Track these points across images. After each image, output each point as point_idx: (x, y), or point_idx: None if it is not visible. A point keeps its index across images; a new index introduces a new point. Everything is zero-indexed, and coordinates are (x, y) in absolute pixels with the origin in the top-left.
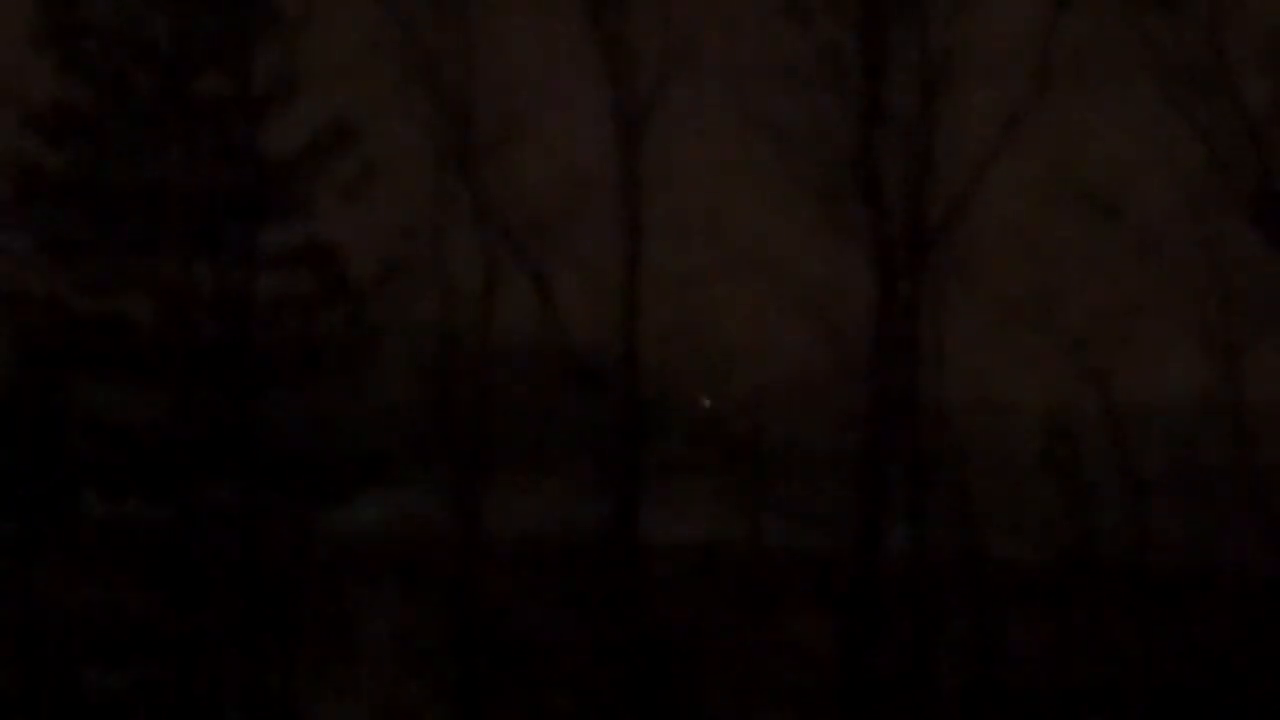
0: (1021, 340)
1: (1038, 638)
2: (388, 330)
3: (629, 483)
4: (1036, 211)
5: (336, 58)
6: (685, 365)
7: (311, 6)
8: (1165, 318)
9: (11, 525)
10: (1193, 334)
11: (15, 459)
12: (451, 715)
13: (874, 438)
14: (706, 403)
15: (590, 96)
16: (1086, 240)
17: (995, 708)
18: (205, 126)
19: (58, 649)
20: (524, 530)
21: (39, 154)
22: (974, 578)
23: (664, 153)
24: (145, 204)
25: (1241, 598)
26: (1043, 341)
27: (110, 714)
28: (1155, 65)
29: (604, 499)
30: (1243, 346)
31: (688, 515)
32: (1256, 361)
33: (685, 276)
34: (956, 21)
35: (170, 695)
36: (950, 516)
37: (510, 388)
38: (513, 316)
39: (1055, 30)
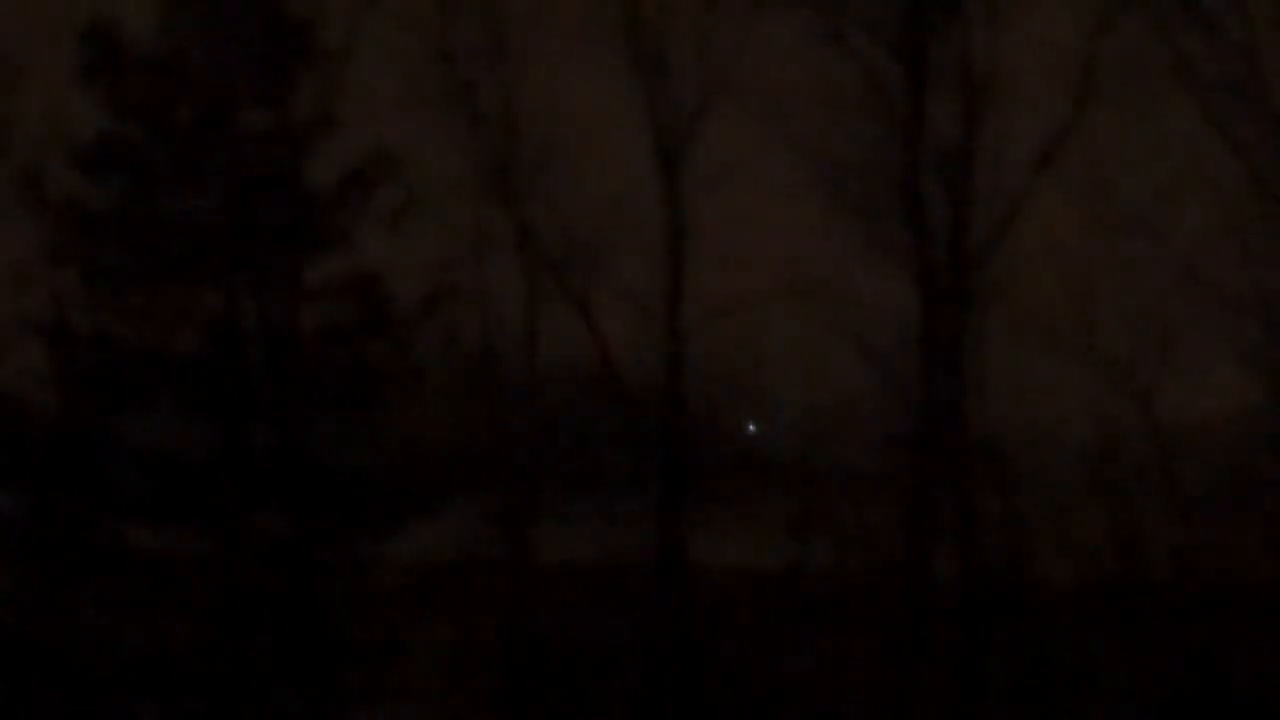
0: (1065, 362)
1: (1086, 660)
2: (433, 359)
3: (675, 508)
4: (1078, 233)
5: (378, 88)
6: (730, 390)
7: (353, 38)
8: (1208, 337)
9: (60, 559)
10: (1236, 353)
11: (63, 493)
12: None
13: (919, 460)
14: (752, 428)
15: (631, 123)
16: (1129, 261)
17: None
18: (247, 158)
19: (106, 684)
20: (572, 556)
21: (83, 189)
22: (1021, 600)
23: (706, 178)
24: (189, 236)
25: None
26: (1086, 363)
27: None
28: (1195, 84)
29: (651, 525)
30: None
31: (734, 540)
32: None
33: (729, 302)
34: (997, 43)
35: None
36: (996, 539)
37: (556, 415)
38: (557, 344)
39: (1095, 50)
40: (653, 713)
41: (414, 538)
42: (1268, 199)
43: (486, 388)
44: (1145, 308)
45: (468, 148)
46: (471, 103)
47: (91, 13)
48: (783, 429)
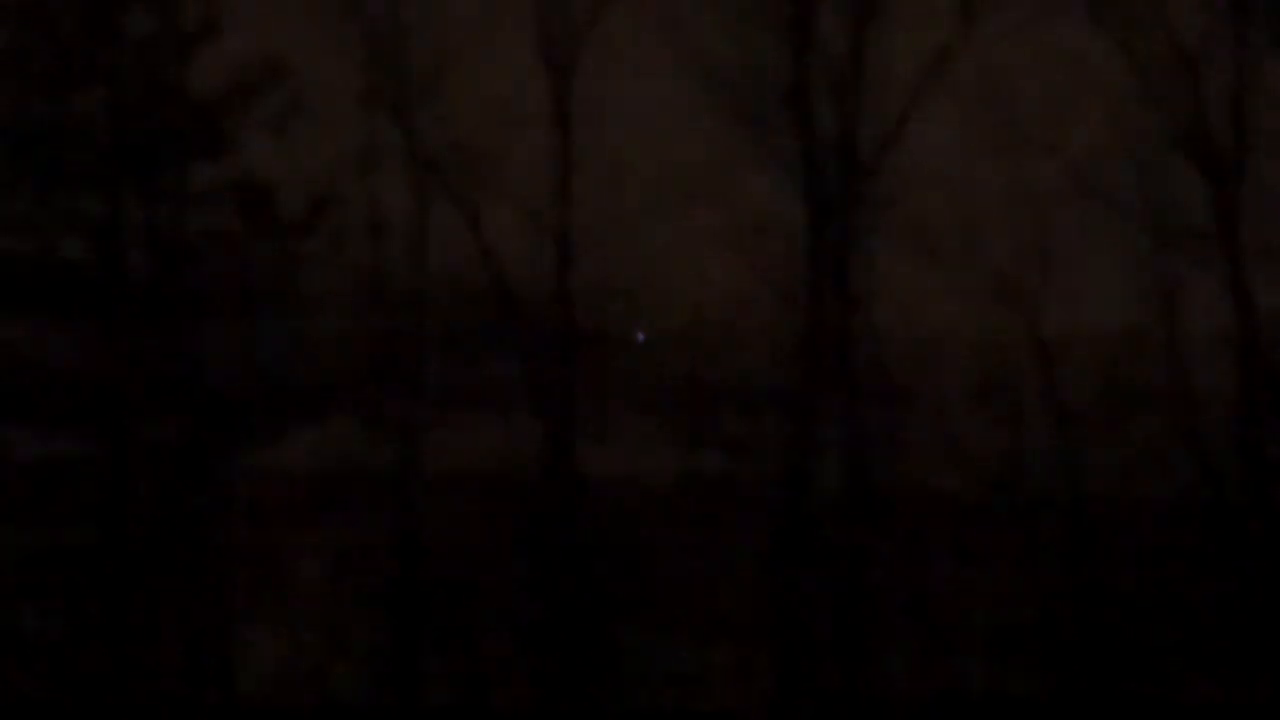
0: (952, 273)
1: (967, 568)
2: (319, 266)
3: (564, 417)
4: (967, 144)
5: None
6: (619, 299)
7: None
8: (1096, 250)
9: None
10: (1124, 266)
11: None
12: (386, 650)
13: (806, 370)
14: (640, 337)
15: (521, 31)
16: (1017, 172)
17: (924, 638)
18: (132, 64)
19: None
20: (459, 465)
21: None
22: (904, 508)
23: (595, 87)
24: (73, 142)
25: (1173, 525)
26: (973, 274)
27: (45, 652)
28: None
29: (539, 434)
30: (1175, 278)
31: (622, 449)
32: (1187, 293)
33: (618, 211)
34: None
35: (104, 633)
36: (882, 449)
37: (444, 324)
38: (445, 253)
39: None
40: (540, 623)
41: (300, 445)
42: (1159, 111)
43: (374, 296)
44: (1033, 219)
45: (356, 55)
46: (360, 9)
47: None
48: (672, 337)
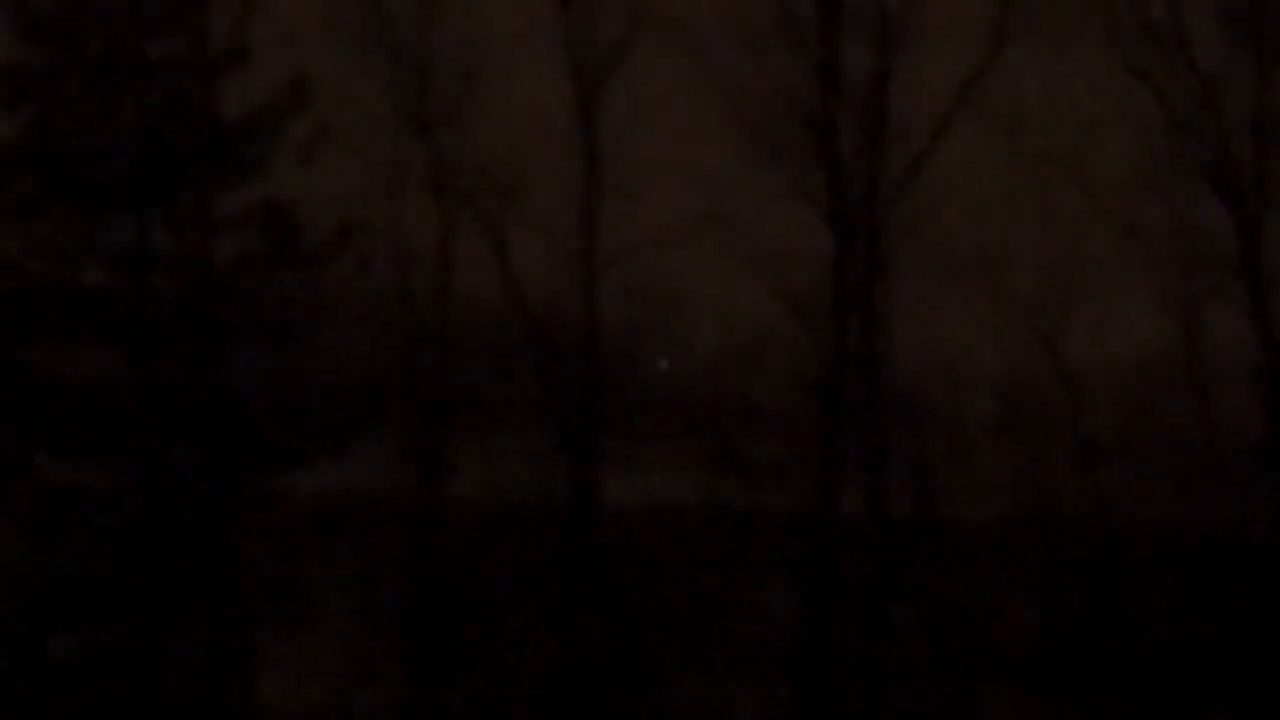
0: (977, 301)
1: (992, 597)
2: (345, 293)
3: (588, 445)
4: (993, 173)
5: (293, 18)
6: (644, 327)
7: None
8: (1122, 279)
9: None
10: (1149, 295)
11: None
12: (410, 678)
13: (830, 398)
14: (665, 365)
15: (549, 57)
16: (1042, 201)
17: (951, 667)
18: (160, 88)
19: (14, 614)
20: (484, 493)
21: None
22: (929, 538)
23: (623, 114)
24: (100, 166)
25: (1196, 556)
26: (998, 302)
27: (68, 679)
28: (1112, 27)
29: (563, 461)
30: (1199, 307)
31: (647, 477)
32: (1212, 322)
33: (644, 238)
34: None
35: (127, 659)
36: (906, 477)
37: (469, 350)
38: (471, 278)
39: None
40: (561, 648)
41: (325, 471)
42: (1184, 141)
43: (399, 321)
44: (1058, 248)
45: (384, 79)
46: (389, 34)
47: None
48: (697, 365)
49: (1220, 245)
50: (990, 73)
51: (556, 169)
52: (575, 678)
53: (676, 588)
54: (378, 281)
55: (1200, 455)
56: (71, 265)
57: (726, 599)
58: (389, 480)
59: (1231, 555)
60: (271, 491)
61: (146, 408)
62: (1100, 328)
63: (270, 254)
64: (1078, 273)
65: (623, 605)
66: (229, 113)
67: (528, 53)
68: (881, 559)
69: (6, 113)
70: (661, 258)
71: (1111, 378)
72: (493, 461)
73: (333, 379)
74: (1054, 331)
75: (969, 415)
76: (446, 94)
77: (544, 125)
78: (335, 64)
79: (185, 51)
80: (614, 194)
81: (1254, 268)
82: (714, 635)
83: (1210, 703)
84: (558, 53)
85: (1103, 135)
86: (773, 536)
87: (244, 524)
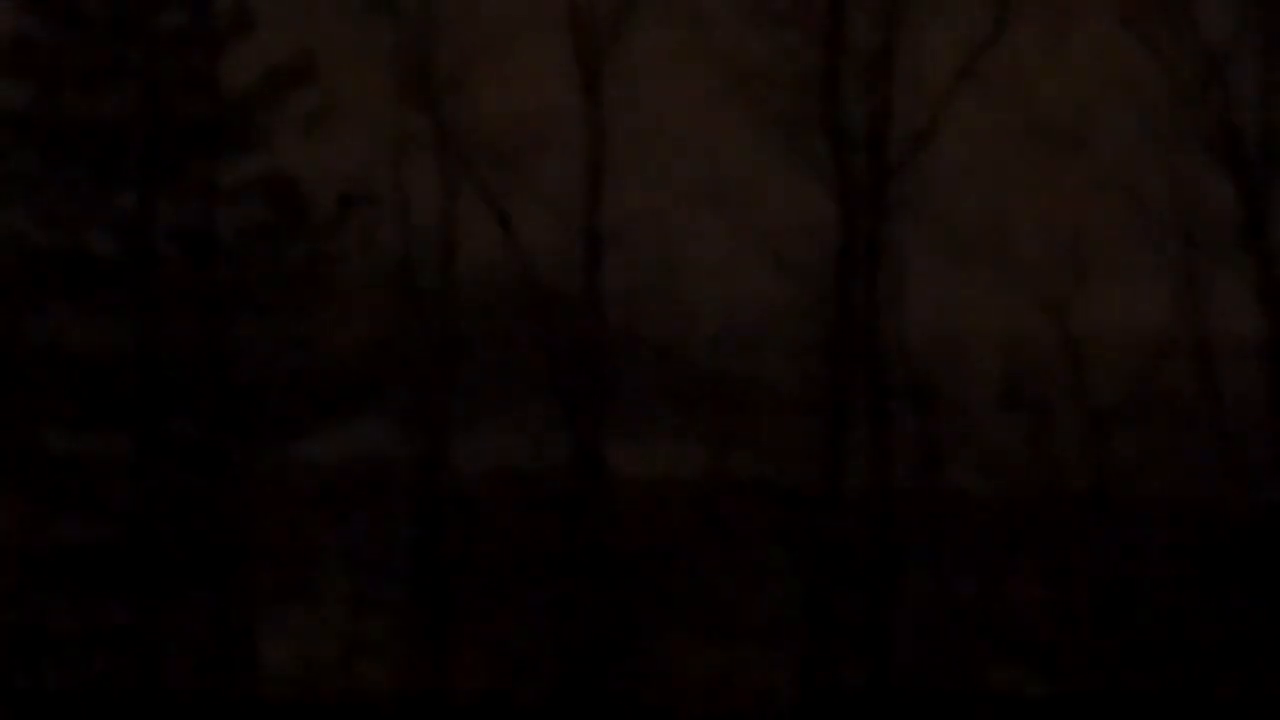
0: (983, 273)
1: (999, 570)
2: (349, 263)
3: (593, 417)
4: (998, 145)
5: None
6: (649, 300)
7: None
8: (1128, 251)
9: None
10: (1156, 267)
11: None
12: (413, 649)
13: (836, 372)
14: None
15: (552, 27)
16: (1048, 174)
17: (957, 640)
18: (164, 60)
19: (17, 584)
20: (487, 464)
21: None
22: (935, 510)
23: (628, 86)
24: (105, 137)
25: (1203, 528)
26: (1003, 275)
27: (72, 650)
28: None
29: (568, 433)
30: (1206, 279)
31: (652, 450)
32: (1216, 294)
33: (648, 211)
34: None
35: (131, 631)
36: (912, 450)
37: (473, 321)
38: (475, 250)
39: None
40: (566, 620)
41: (328, 441)
42: (1189, 112)
43: (403, 293)
44: (1064, 220)
45: (387, 50)
46: (391, 5)
47: None
48: (702, 339)
49: (1227, 217)
50: (997, 44)
51: (561, 139)
52: (579, 649)
53: (680, 559)
54: (382, 252)
55: (1207, 426)
56: (76, 236)
57: (730, 571)
58: (392, 450)
59: (1239, 527)
60: (275, 462)
61: (151, 378)
62: (1106, 300)
63: (275, 224)
64: (1084, 245)
65: (626, 576)
66: (233, 84)
67: (532, 24)
68: (886, 532)
69: (11, 84)
70: (666, 230)
71: (1118, 350)
72: (497, 432)
73: (337, 349)
74: (1060, 303)
75: (974, 387)
76: (451, 65)
77: (548, 95)
78: (339, 35)
79: (189, 22)
80: (617, 166)
81: (1260, 239)
82: (718, 607)
83: (1219, 674)
84: (562, 22)
85: (1109, 107)
86: (777, 509)
87: (247, 494)
